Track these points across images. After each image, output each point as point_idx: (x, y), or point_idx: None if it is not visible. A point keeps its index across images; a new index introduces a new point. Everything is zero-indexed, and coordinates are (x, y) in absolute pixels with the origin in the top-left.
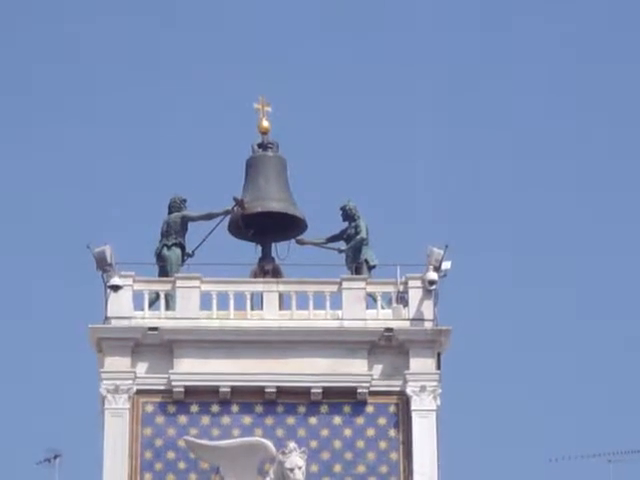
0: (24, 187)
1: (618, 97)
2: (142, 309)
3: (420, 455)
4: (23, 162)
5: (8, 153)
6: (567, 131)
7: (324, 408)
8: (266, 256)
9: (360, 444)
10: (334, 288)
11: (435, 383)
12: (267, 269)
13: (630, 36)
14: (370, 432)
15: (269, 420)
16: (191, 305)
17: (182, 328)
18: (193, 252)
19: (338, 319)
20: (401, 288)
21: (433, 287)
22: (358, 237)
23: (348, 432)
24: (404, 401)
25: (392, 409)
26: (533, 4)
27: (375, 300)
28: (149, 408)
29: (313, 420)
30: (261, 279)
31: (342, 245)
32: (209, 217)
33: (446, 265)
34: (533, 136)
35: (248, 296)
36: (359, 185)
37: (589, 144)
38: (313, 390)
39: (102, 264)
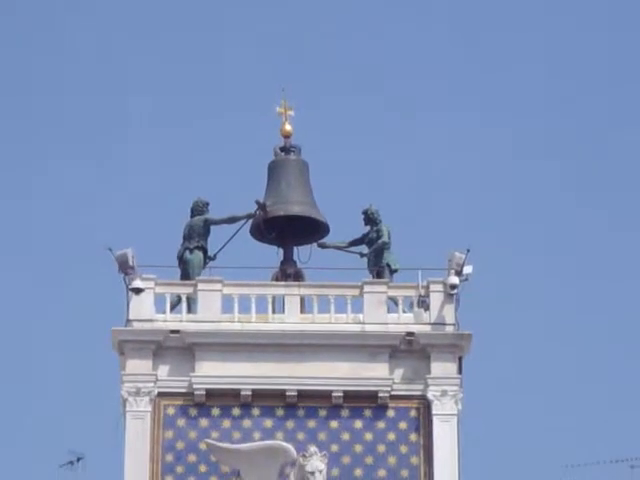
0: (46, 190)
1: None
2: (164, 312)
3: (441, 460)
4: (48, 163)
5: (31, 156)
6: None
7: (345, 412)
8: (288, 260)
9: (381, 448)
10: (355, 292)
11: (456, 387)
12: (289, 273)
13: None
14: (391, 436)
15: (290, 424)
16: (213, 308)
17: (204, 331)
18: (215, 255)
19: (359, 323)
20: (422, 292)
21: (454, 291)
22: (380, 241)
23: (369, 436)
24: (425, 405)
25: (413, 413)
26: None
27: (396, 304)
28: (170, 411)
29: (334, 424)
30: (282, 283)
31: (364, 249)
32: (232, 221)
33: (468, 269)
34: (559, 139)
35: (270, 299)
36: (381, 189)
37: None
38: (334, 394)
39: (124, 267)
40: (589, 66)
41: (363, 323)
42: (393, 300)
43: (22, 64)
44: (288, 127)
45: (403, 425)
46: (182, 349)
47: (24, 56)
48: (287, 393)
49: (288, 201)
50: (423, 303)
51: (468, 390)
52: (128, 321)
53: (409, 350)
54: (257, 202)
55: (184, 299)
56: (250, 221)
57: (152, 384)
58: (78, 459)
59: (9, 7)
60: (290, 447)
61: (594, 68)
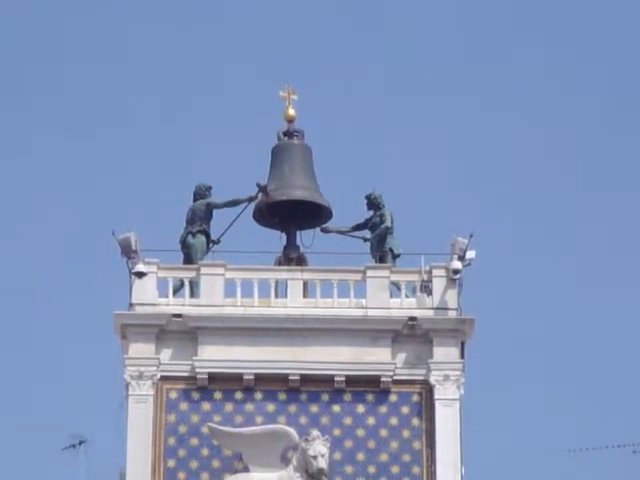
0: (50, 174)
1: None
2: (166, 296)
3: (443, 444)
4: (51, 148)
5: (37, 141)
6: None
7: (347, 396)
8: (291, 244)
9: (383, 433)
10: (358, 277)
11: (459, 372)
12: (292, 257)
13: None
14: (393, 421)
15: (292, 408)
16: (215, 292)
17: (206, 315)
18: (219, 239)
19: (362, 307)
20: (425, 277)
21: (457, 276)
22: (383, 226)
23: (371, 420)
24: (427, 390)
25: (415, 398)
26: None
27: (399, 289)
28: (173, 395)
29: (336, 408)
30: (285, 267)
31: (367, 234)
32: (233, 204)
33: (470, 254)
34: (562, 125)
35: (272, 284)
36: (384, 174)
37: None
38: (337, 378)
39: (127, 251)
40: (594, 56)
41: (366, 308)
42: (396, 285)
43: (21, 60)
44: (291, 111)
45: (405, 409)
46: (185, 333)
47: (23, 53)
48: (290, 377)
49: (291, 185)
50: (426, 288)
51: (470, 375)
52: (131, 305)
53: (411, 335)
54: (258, 185)
55: (187, 283)
56: (252, 205)
57: (155, 368)
58: (80, 442)
59: (9, 7)
60: (292, 431)
61: (598, 59)
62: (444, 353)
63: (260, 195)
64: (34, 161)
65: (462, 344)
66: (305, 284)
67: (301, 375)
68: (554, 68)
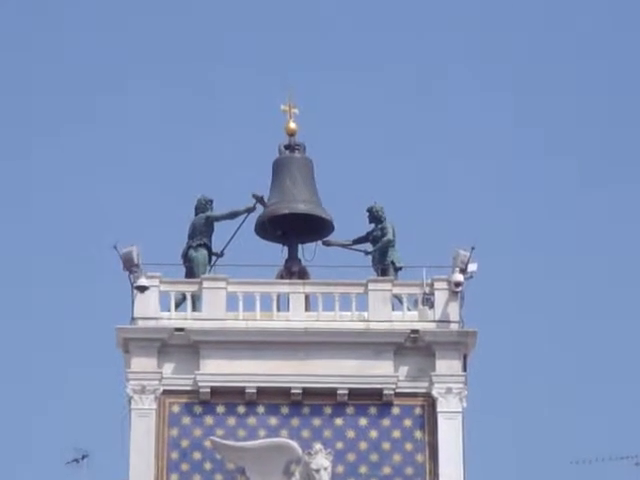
0: (52, 187)
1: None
2: (168, 310)
3: (446, 457)
4: (52, 161)
5: (38, 153)
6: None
7: (350, 409)
8: (292, 257)
9: (386, 446)
10: (360, 290)
11: (461, 385)
12: (293, 270)
13: None
14: (396, 434)
15: (295, 421)
16: (217, 306)
17: (208, 329)
18: (222, 252)
19: (364, 320)
20: (427, 290)
21: (459, 289)
22: (385, 239)
23: (374, 433)
24: (430, 403)
25: (418, 411)
26: None
27: (401, 302)
28: (175, 409)
29: (339, 421)
30: (287, 280)
31: (369, 247)
32: (232, 216)
33: (472, 267)
34: (562, 137)
35: (274, 297)
36: (386, 187)
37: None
38: (339, 391)
39: (129, 265)
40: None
41: (368, 321)
42: (398, 298)
43: (21, 65)
44: (293, 125)
45: (408, 422)
46: (187, 347)
47: (23, 56)
48: (292, 391)
49: (293, 199)
50: (428, 301)
51: (473, 387)
52: (133, 319)
53: (414, 348)
54: (254, 196)
55: (189, 297)
56: (254, 217)
57: (157, 382)
58: (83, 457)
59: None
60: (295, 444)
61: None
62: (446, 366)
63: (257, 206)
64: (35, 173)
65: (464, 357)
66: (307, 297)
67: (303, 388)
68: (553, 69)
